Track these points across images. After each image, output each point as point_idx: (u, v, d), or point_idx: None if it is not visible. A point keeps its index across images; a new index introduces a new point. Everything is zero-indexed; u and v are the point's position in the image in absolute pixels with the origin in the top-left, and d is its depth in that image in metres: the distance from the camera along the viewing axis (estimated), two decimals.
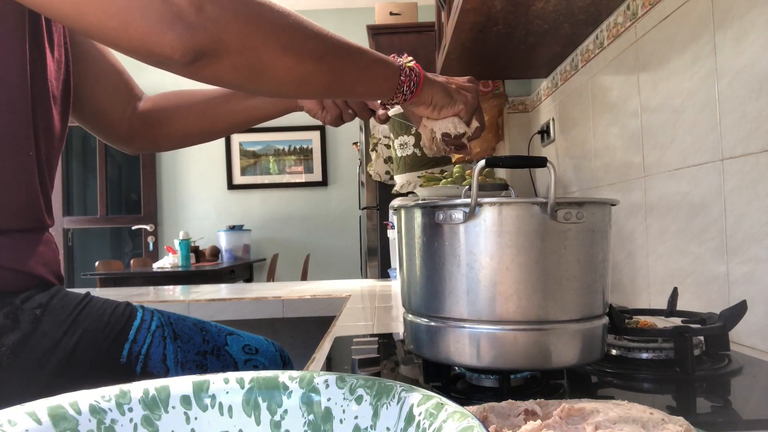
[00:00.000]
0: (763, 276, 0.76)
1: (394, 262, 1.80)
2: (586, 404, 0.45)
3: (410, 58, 0.73)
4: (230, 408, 0.41)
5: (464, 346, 0.58)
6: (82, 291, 0.80)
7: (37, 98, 0.70)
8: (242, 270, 4.38)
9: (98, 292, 0.83)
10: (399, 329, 0.99)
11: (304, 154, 4.89)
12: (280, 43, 0.56)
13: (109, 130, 0.92)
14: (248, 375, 0.42)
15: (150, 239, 4.89)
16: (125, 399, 0.38)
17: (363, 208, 2.62)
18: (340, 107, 0.91)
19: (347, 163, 4.85)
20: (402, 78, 0.70)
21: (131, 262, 4.37)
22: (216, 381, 0.41)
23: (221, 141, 4.85)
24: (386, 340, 0.89)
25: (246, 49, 0.54)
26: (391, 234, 1.75)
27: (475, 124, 0.79)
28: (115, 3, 0.48)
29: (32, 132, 0.70)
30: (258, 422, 0.40)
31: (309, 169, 4.89)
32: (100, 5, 0.48)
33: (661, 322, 0.86)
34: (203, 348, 0.83)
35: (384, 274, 2.36)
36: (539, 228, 0.56)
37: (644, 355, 0.70)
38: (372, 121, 0.89)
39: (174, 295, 1.71)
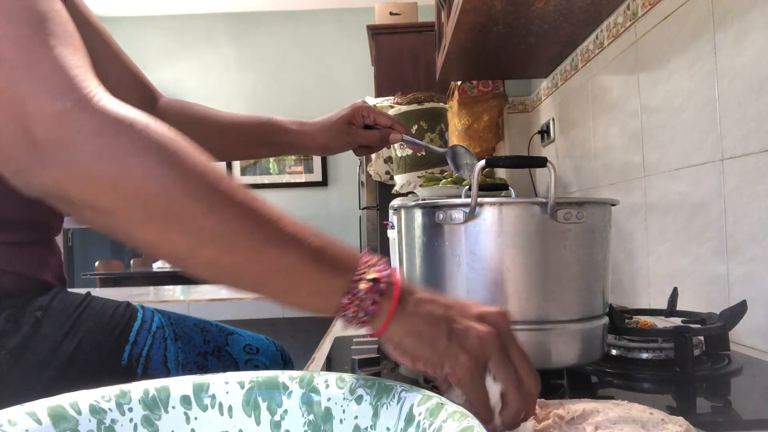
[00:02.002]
0: (763, 276, 0.76)
1: (394, 262, 1.80)
2: (586, 404, 0.45)
3: (384, 264, 0.47)
4: (230, 408, 0.41)
5: None
6: (83, 291, 0.80)
7: None
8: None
9: (98, 293, 0.83)
10: None
11: (304, 154, 4.89)
12: (144, 213, 0.42)
13: None
14: (248, 375, 0.42)
15: None
16: (125, 399, 0.38)
17: (363, 208, 2.62)
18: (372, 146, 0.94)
19: (347, 163, 4.85)
20: (345, 300, 0.45)
21: (131, 262, 4.37)
22: (216, 381, 0.41)
23: None
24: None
25: (94, 209, 0.43)
26: (391, 234, 1.75)
27: (495, 399, 0.44)
28: None
29: None
30: (258, 422, 0.40)
31: (309, 169, 4.89)
32: None
33: (661, 322, 0.86)
34: (204, 349, 0.83)
35: None
36: (539, 228, 0.56)
37: (644, 355, 0.70)
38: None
39: (174, 295, 1.71)
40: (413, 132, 1.91)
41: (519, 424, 0.43)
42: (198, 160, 0.44)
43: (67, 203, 0.43)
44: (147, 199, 0.42)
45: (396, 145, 1.99)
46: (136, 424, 0.38)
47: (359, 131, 0.97)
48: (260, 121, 0.97)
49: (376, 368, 0.71)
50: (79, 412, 0.36)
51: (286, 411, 0.41)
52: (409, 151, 1.91)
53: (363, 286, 0.45)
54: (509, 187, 1.58)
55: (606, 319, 0.63)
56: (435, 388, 0.46)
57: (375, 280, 0.46)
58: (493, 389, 0.43)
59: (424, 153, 1.77)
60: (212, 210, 0.43)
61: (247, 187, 0.45)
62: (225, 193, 0.44)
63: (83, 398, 0.37)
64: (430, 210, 0.60)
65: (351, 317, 0.45)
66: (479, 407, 0.43)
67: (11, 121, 0.41)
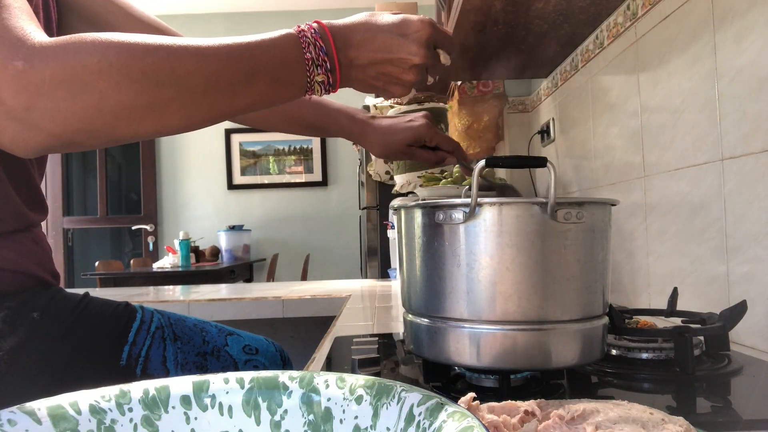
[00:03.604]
0: (763, 276, 0.76)
1: (394, 262, 1.80)
2: (586, 404, 0.45)
3: (314, 26, 0.60)
4: (230, 408, 0.41)
5: (464, 346, 0.58)
6: (81, 291, 0.79)
7: None
8: (242, 270, 4.38)
9: (98, 292, 0.83)
10: (399, 329, 0.98)
11: (304, 154, 4.89)
12: (136, 114, 0.48)
13: None
14: (248, 375, 0.42)
15: (150, 239, 4.89)
16: (125, 399, 0.38)
17: (363, 208, 2.62)
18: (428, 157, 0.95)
19: (347, 163, 4.85)
20: (307, 55, 0.57)
21: (131, 262, 4.37)
22: (216, 381, 0.41)
23: (221, 141, 4.85)
24: (386, 340, 0.89)
25: (94, 135, 0.47)
26: (391, 234, 1.75)
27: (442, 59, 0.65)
28: None
29: None
30: (258, 422, 0.40)
31: (309, 169, 4.89)
32: None
33: (661, 322, 0.86)
34: (203, 349, 0.83)
35: (384, 274, 2.36)
36: (539, 228, 0.56)
37: (644, 355, 0.70)
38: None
39: (174, 295, 1.71)
40: None
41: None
42: (141, 46, 0.48)
43: (69, 145, 0.47)
44: (130, 106, 0.47)
45: None
46: (136, 424, 0.38)
47: (418, 151, 0.97)
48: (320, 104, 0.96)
49: (376, 368, 0.71)
50: (79, 412, 0.36)
51: (286, 411, 0.41)
52: None
53: (312, 49, 0.58)
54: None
55: (606, 319, 0.63)
56: (435, 388, 0.46)
57: (322, 76, 0.58)
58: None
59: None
60: (183, 85, 0.49)
61: (186, 44, 0.51)
62: (184, 64, 0.50)
63: (83, 398, 0.37)
64: (430, 210, 0.60)
65: (320, 84, 0.58)
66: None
67: None
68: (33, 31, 0.46)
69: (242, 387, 0.41)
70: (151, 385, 0.40)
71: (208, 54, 0.51)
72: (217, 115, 0.54)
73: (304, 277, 4.49)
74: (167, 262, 3.88)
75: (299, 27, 0.59)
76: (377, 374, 0.68)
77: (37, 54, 0.44)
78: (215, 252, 4.42)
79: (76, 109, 0.45)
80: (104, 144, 0.50)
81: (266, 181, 4.89)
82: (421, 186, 1.73)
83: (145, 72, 0.47)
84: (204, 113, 0.52)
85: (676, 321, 0.80)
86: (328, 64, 0.59)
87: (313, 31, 0.60)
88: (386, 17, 0.63)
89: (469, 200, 0.56)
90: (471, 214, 0.56)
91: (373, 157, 2.25)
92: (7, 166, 0.70)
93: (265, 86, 0.55)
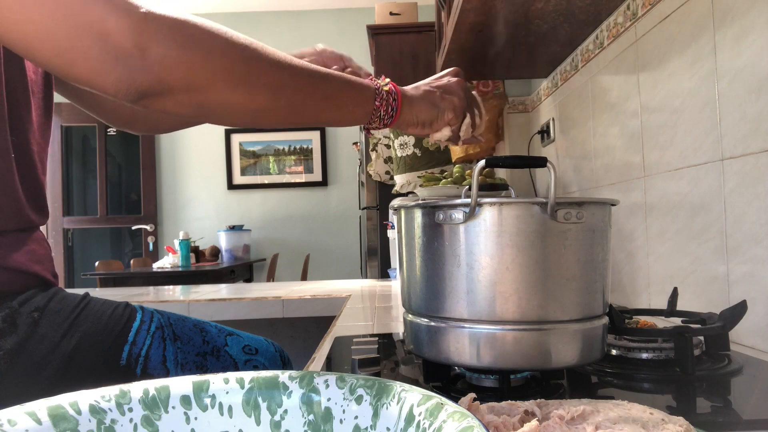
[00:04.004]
0: (763, 276, 0.76)
1: (394, 262, 1.80)
2: (586, 405, 0.45)
3: (387, 80, 0.71)
4: (230, 408, 0.41)
5: (464, 346, 0.58)
6: (81, 291, 0.79)
7: (13, 93, 0.70)
8: (242, 270, 4.38)
9: (98, 293, 0.83)
10: (399, 329, 0.98)
11: (304, 154, 4.89)
12: (232, 79, 0.54)
13: (111, 115, 0.92)
14: (248, 375, 0.42)
15: (150, 239, 4.89)
16: (125, 399, 0.38)
17: (363, 208, 2.62)
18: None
19: (347, 163, 4.85)
20: (377, 103, 0.67)
21: (131, 262, 4.37)
22: (216, 381, 0.41)
23: (221, 141, 4.85)
24: (386, 340, 0.89)
25: (192, 89, 0.52)
26: (391, 234, 1.75)
27: (467, 121, 0.77)
28: (59, 43, 0.47)
29: (6, 130, 0.69)
30: (258, 422, 0.40)
31: (309, 169, 4.89)
32: (46, 45, 0.48)
33: (661, 322, 0.86)
34: (203, 349, 0.83)
35: (384, 274, 2.36)
36: (539, 228, 0.56)
37: (644, 355, 0.70)
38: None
39: (174, 295, 1.71)
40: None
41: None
42: (244, 37, 0.57)
43: (165, 96, 0.52)
44: (232, 69, 0.54)
45: (396, 145, 1.99)
46: (136, 424, 0.38)
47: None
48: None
49: (376, 368, 0.71)
50: (79, 412, 0.36)
51: (286, 411, 0.41)
52: (409, 152, 1.91)
53: (385, 89, 0.68)
54: (509, 187, 1.58)
55: (606, 319, 0.63)
56: (435, 388, 0.46)
57: (387, 85, 0.69)
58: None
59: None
60: (277, 65, 0.58)
61: (276, 54, 0.60)
62: (276, 54, 0.59)
63: (83, 398, 0.37)
64: (430, 210, 0.60)
65: (383, 116, 0.68)
66: (461, 118, 0.75)
67: (98, 38, 0.48)
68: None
69: (242, 387, 0.41)
70: (151, 385, 0.40)
71: (292, 60, 0.60)
72: (296, 106, 0.61)
73: (304, 277, 4.49)
74: (167, 262, 3.88)
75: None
76: (377, 374, 0.68)
77: (155, 15, 0.50)
78: (215, 252, 4.42)
79: (185, 58, 0.51)
80: (195, 108, 0.54)
81: (266, 181, 4.89)
82: (421, 186, 1.73)
83: (246, 46, 0.55)
84: (286, 100, 0.59)
85: (676, 321, 0.80)
86: (393, 97, 0.70)
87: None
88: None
89: (469, 200, 0.56)
90: (471, 214, 0.56)
91: (372, 156, 2.25)
92: (19, 167, 0.71)
93: (339, 85, 0.64)
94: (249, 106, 0.56)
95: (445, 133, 0.75)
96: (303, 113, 0.62)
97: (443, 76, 0.76)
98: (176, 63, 0.50)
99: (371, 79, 0.69)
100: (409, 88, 0.72)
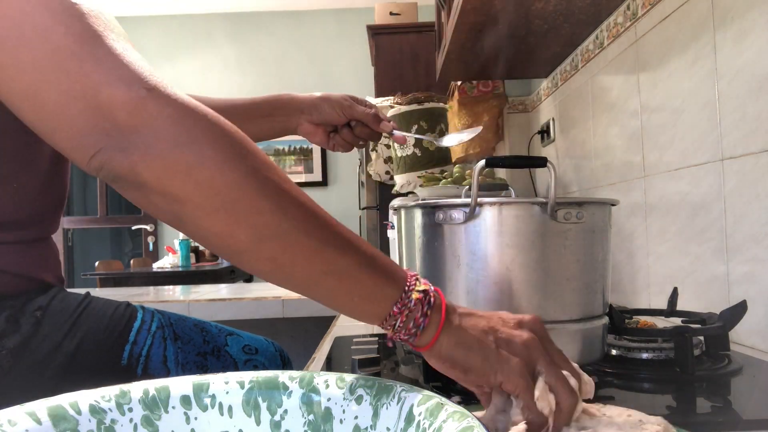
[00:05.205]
0: (763, 276, 0.76)
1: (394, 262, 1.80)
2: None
3: (425, 284, 0.48)
4: (230, 408, 0.41)
5: None
6: (82, 291, 0.80)
7: None
8: (242, 270, 4.37)
9: (98, 293, 0.83)
10: None
11: (304, 154, 4.89)
12: (213, 202, 0.43)
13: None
14: (248, 375, 0.42)
15: (150, 239, 4.89)
16: (125, 399, 0.38)
17: (363, 208, 2.62)
18: (349, 140, 0.93)
19: (347, 163, 4.85)
20: (395, 309, 0.46)
21: (131, 262, 4.37)
22: (216, 381, 0.41)
23: None
24: (386, 340, 0.89)
25: (168, 196, 0.43)
26: (391, 234, 1.75)
27: (542, 405, 0.44)
28: (46, 107, 0.43)
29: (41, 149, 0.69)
30: (258, 422, 0.40)
31: (309, 169, 4.89)
32: (32, 105, 0.43)
33: (661, 322, 0.86)
34: (203, 349, 0.83)
35: None
36: (539, 228, 0.56)
37: (644, 355, 0.70)
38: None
39: (174, 295, 1.71)
40: (414, 132, 1.91)
41: (571, 422, 0.44)
42: (264, 157, 0.46)
43: (138, 188, 0.44)
44: (219, 190, 0.43)
45: (396, 145, 1.99)
46: (136, 424, 0.38)
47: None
48: (276, 96, 0.99)
49: (376, 368, 0.71)
50: (79, 412, 0.36)
51: (286, 411, 0.41)
52: (409, 152, 1.91)
53: (415, 296, 0.46)
54: (509, 187, 1.58)
55: (606, 319, 0.63)
56: (435, 388, 0.46)
57: (425, 292, 0.47)
58: (548, 394, 0.44)
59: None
60: (279, 207, 0.44)
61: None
62: (290, 192, 0.46)
63: (83, 398, 0.37)
64: (430, 210, 0.60)
65: (400, 327, 0.46)
66: (536, 411, 0.43)
67: (86, 108, 0.42)
68: (162, 77, 0.45)
69: (242, 387, 0.41)
70: (151, 385, 0.40)
71: (320, 215, 0.47)
72: (282, 262, 0.46)
73: None
74: (167, 262, 3.87)
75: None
76: (377, 374, 0.68)
77: (164, 96, 0.44)
78: None
79: (171, 158, 0.42)
80: (171, 216, 0.45)
81: None
82: (421, 186, 1.73)
83: (255, 171, 0.44)
84: (270, 252, 0.45)
85: (676, 321, 0.80)
86: (433, 287, 0.49)
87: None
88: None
89: (469, 200, 0.56)
90: (471, 214, 0.56)
91: (373, 156, 2.25)
92: (50, 175, 0.71)
93: (354, 263, 0.46)
94: (226, 241, 0.45)
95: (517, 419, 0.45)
96: (290, 278, 0.47)
97: (517, 321, 0.49)
98: (157, 160, 0.42)
99: (411, 276, 0.49)
100: (462, 311, 0.49)
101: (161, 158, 0.42)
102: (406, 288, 0.47)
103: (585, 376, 0.47)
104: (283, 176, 0.46)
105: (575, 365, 0.47)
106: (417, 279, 0.48)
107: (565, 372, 0.46)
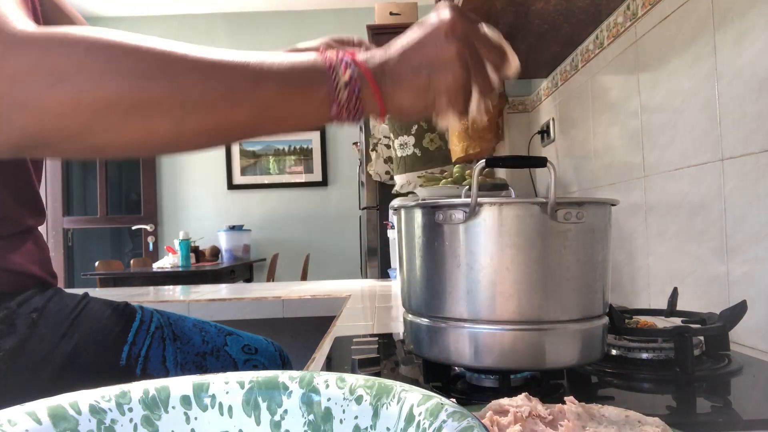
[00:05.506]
0: (763, 276, 0.76)
1: (394, 262, 1.80)
2: (563, 407, 0.45)
3: (339, 56, 0.49)
4: (230, 408, 0.41)
5: (464, 346, 0.58)
6: (80, 291, 0.80)
7: None
8: (242, 270, 4.37)
9: (98, 292, 0.83)
10: (399, 329, 0.98)
11: (304, 154, 4.89)
12: (116, 114, 0.41)
13: None
14: (248, 375, 0.42)
15: (150, 239, 4.89)
16: (125, 399, 0.38)
17: (363, 208, 2.62)
18: None
19: (347, 163, 4.85)
20: (335, 110, 0.48)
21: (131, 262, 4.37)
22: (216, 381, 0.41)
23: None
24: (386, 340, 0.89)
25: (69, 137, 0.41)
26: (391, 234, 1.75)
27: (475, 100, 0.54)
28: None
29: None
30: (258, 422, 0.40)
31: (309, 169, 4.89)
32: None
33: (661, 322, 0.86)
34: (203, 349, 0.83)
35: (384, 274, 2.35)
36: (539, 228, 0.56)
37: (644, 355, 0.70)
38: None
39: (174, 295, 1.71)
40: (414, 131, 1.91)
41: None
42: (132, 42, 0.42)
43: (46, 147, 0.42)
44: (112, 102, 0.40)
45: (396, 145, 1.99)
46: (136, 424, 0.38)
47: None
48: None
49: (376, 368, 0.71)
50: (79, 412, 0.36)
51: (286, 411, 0.41)
52: (409, 152, 1.91)
53: (343, 93, 0.48)
54: (509, 187, 1.58)
55: (606, 319, 0.63)
56: (435, 388, 0.46)
57: (348, 82, 0.48)
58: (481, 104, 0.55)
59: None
60: (176, 82, 0.42)
61: (183, 46, 0.45)
62: (179, 62, 0.43)
63: (83, 398, 0.37)
64: (430, 210, 0.60)
65: (346, 119, 0.49)
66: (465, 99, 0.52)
67: None
68: (17, 17, 0.41)
69: (242, 387, 0.41)
70: (151, 385, 0.40)
71: (208, 53, 0.44)
72: (213, 128, 0.45)
73: (304, 277, 4.49)
74: (167, 262, 3.87)
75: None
76: (377, 374, 0.68)
77: (16, 41, 0.40)
78: (215, 252, 4.42)
79: (51, 102, 0.39)
80: (80, 152, 0.43)
81: (266, 181, 4.89)
82: (421, 186, 1.73)
83: (134, 66, 0.41)
84: (197, 122, 0.44)
85: (676, 321, 0.80)
86: (353, 61, 0.49)
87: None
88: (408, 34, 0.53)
89: (469, 200, 0.56)
90: (471, 214, 0.56)
91: (372, 156, 2.25)
92: (6, 175, 0.70)
93: (274, 91, 0.46)
94: (149, 141, 0.43)
95: (451, 120, 0.54)
96: (227, 135, 0.47)
97: (428, 34, 0.52)
98: (41, 109, 0.39)
99: (323, 57, 0.48)
100: (389, 66, 0.50)
101: (44, 108, 0.40)
102: (334, 84, 0.48)
103: (511, 60, 0.60)
104: (161, 49, 0.43)
105: (502, 43, 0.61)
106: (335, 70, 0.48)
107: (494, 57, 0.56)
